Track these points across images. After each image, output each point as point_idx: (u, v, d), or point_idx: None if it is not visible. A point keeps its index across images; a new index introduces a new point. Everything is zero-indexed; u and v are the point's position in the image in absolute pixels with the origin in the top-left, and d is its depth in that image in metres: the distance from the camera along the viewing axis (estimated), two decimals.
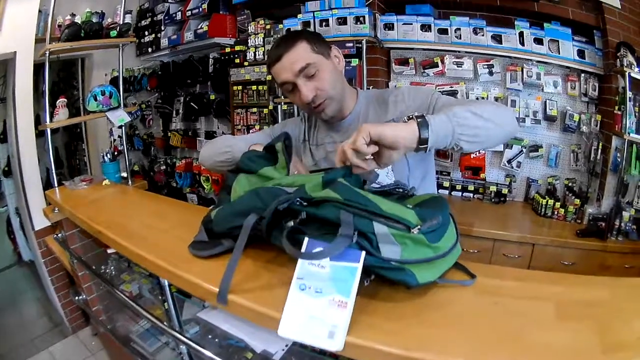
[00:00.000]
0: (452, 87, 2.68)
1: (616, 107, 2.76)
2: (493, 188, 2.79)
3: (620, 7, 2.67)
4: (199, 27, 3.32)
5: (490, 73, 2.68)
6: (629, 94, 2.60)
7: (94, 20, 2.57)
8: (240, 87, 3.06)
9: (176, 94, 3.74)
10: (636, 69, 2.63)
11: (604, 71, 2.81)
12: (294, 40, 1.07)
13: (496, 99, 2.71)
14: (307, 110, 1.17)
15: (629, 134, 2.68)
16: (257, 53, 2.99)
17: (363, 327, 0.63)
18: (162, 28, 3.67)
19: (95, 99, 2.45)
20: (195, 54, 3.51)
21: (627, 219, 2.87)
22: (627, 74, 2.55)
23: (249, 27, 3.08)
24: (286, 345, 0.90)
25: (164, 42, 3.60)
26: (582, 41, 2.77)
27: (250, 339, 0.92)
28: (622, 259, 2.73)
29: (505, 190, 2.80)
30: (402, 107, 1.15)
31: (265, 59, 2.97)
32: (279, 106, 2.83)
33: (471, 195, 2.91)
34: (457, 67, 2.68)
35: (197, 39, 3.31)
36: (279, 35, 2.89)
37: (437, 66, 2.69)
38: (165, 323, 1.11)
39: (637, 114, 2.83)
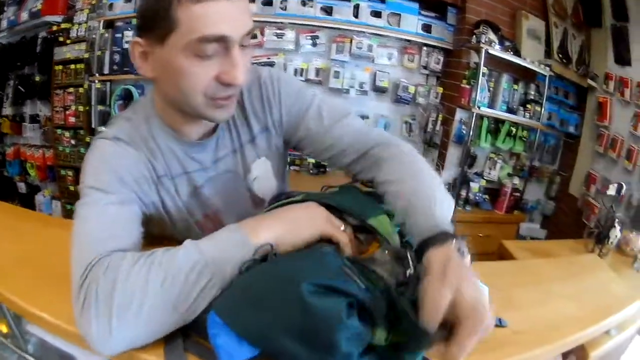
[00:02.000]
0: (269, 58, 2.57)
1: (464, 81, 2.77)
2: (312, 160, 2.70)
3: None
4: (34, 5, 3.09)
5: (314, 44, 2.61)
6: (483, 69, 2.62)
7: None
8: (61, 67, 2.88)
9: (8, 78, 3.49)
10: (497, 47, 2.66)
11: (453, 46, 2.83)
12: None
13: (318, 71, 2.63)
14: (203, 97, 0.68)
15: (478, 107, 2.70)
16: (79, 30, 2.81)
17: None
18: (5, 9, 3.40)
19: None
20: (28, 34, 3.28)
21: (477, 190, 2.89)
22: (483, 50, 2.56)
23: (77, 3, 2.89)
24: None
25: (4, 23, 3.35)
26: (431, 16, 2.77)
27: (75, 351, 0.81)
28: (475, 228, 2.75)
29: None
30: (276, 113, 0.86)
31: (87, 35, 2.78)
32: (93, 85, 2.66)
33: (288, 166, 2.82)
34: (278, 38, 2.57)
35: (31, 18, 3.08)
36: (102, 11, 2.72)
37: (256, 37, 2.58)
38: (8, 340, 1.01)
39: (491, 90, 2.87)
